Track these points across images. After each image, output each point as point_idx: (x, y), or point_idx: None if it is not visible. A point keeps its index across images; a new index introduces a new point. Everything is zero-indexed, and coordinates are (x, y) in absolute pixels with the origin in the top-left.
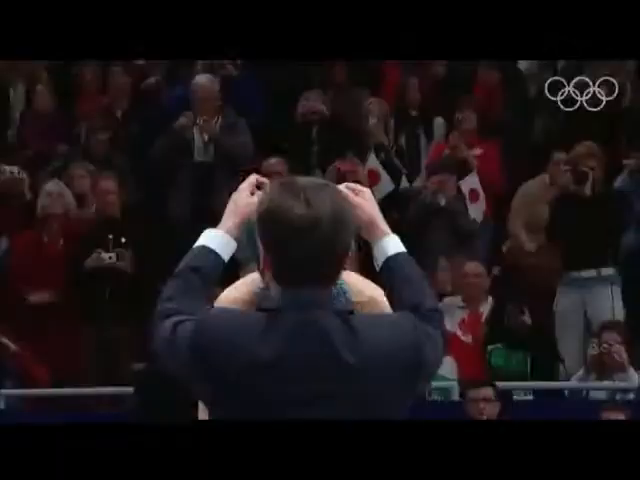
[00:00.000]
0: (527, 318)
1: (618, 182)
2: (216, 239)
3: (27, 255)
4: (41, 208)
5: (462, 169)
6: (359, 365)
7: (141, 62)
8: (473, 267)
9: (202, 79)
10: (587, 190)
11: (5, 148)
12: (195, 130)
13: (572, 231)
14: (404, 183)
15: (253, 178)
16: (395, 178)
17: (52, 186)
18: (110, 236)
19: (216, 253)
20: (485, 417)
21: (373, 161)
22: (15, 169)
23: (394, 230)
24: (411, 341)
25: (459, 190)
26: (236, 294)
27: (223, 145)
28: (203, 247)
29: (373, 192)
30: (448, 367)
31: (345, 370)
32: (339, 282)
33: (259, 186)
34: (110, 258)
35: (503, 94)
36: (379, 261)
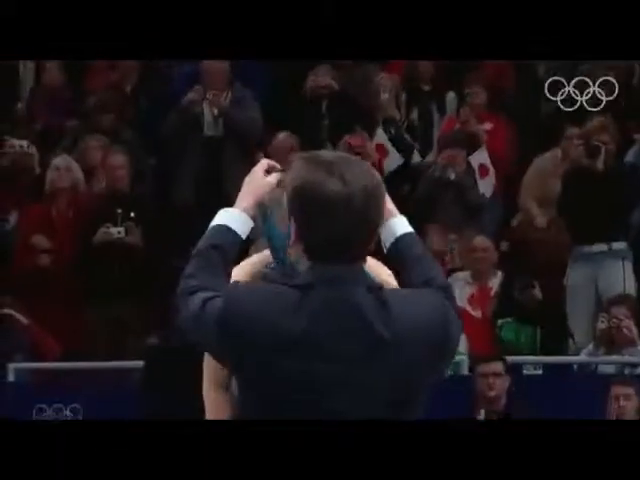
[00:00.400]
0: (537, 292)
1: (629, 156)
2: (233, 217)
3: (36, 229)
4: (49, 182)
5: (472, 144)
6: (392, 340)
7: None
8: (480, 241)
9: None
10: (600, 164)
11: (15, 123)
12: (204, 105)
13: (584, 205)
14: (416, 157)
15: (265, 162)
16: (405, 153)
17: (60, 161)
18: (119, 210)
19: (234, 231)
20: (494, 392)
21: (381, 136)
22: (25, 143)
23: (403, 204)
24: (440, 317)
25: (469, 165)
26: (242, 273)
27: (232, 119)
28: (220, 226)
29: (382, 166)
30: None
31: (378, 345)
32: None
33: (269, 170)
34: (119, 233)
35: (514, 69)
36: (387, 242)
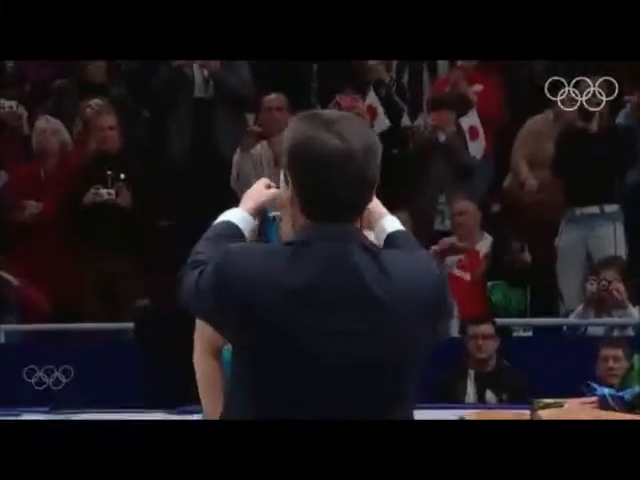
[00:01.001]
0: (527, 255)
1: (620, 118)
2: (236, 215)
3: (24, 189)
4: (36, 144)
5: (462, 106)
6: (389, 300)
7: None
8: (461, 205)
9: None
10: (594, 126)
11: (3, 83)
12: (195, 66)
13: (576, 167)
14: (405, 120)
15: (265, 180)
16: (395, 115)
17: (44, 123)
18: (109, 172)
19: (238, 227)
20: (484, 354)
21: (372, 97)
22: (14, 104)
23: (393, 166)
24: (437, 279)
25: (459, 127)
26: None
27: (223, 82)
28: (224, 221)
29: (372, 127)
30: None
31: (375, 304)
32: None
33: (269, 187)
34: (109, 194)
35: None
36: (380, 240)
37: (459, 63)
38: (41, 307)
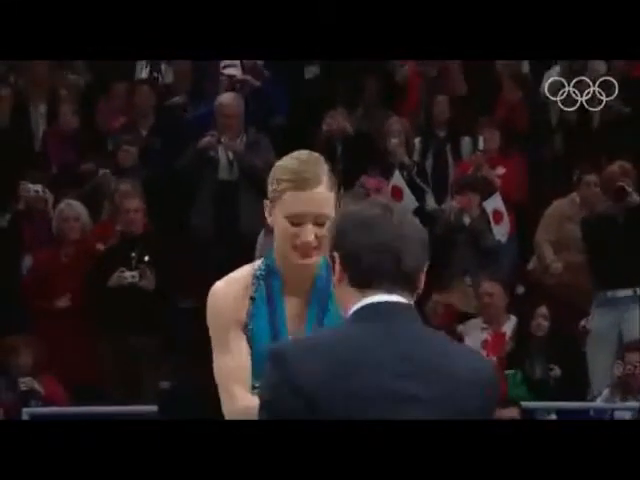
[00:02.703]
0: (557, 372)
1: None
2: None
3: (49, 273)
4: (57, 230)
5: (485, 189)
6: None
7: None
8: (487, 286)
9: (226, 98)
10: (620, 208)
11: (29, 167)
12: (220, 148)
13: (605, 250)
14: (431, 202)
15: None
16: (420, 196)
17: (66, 208)
18: (133, 254)
19: None
20: None
21: (398, 178)
22: (39, 188)
23: None
24: (491, 364)
25: (483, 210)
26: (233, 289)
27: (247, 163)
28: None
29: None
30: None
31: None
32: None
33: None
34: (133, 277)
35: (526, 110)
36: None
37: (481, 146)
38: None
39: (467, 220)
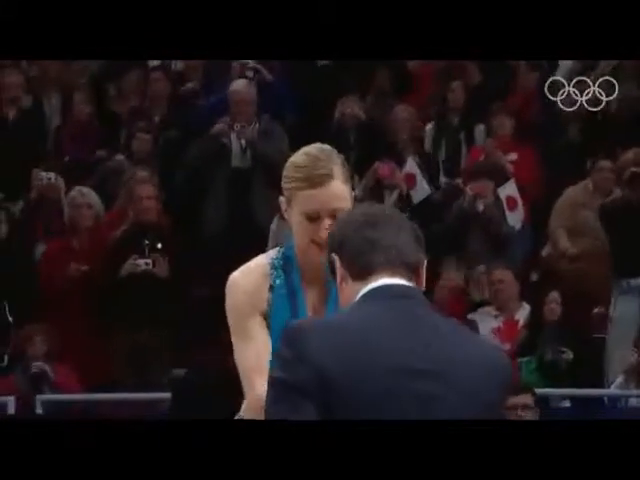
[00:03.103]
0: (568, 355)
1: None
2: None
3: (61, 261)
4: (69, 218)
5: (499, 175)
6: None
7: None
8: (498, 274)
9: (239, 84)
10: (635, 194)
11: (42, 155)
12: (232, 136)
13: (627, 237)
14: (444, 189)
15: None
16: (433, 183)
17: (78, 196)
18: (146, 242)
19: None
20: None
21: (411, 165)
22: (52, 175)
23: (431, 235)
24: (506, 356)
25: (497, 197)
26: (252, 279)
27: (260, 151)
28: None
29: (410, 196)
30: None
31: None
32: None
33: None
34: (146, 264)
35: (540, 98)
36: None
37: (494, 132)
38: (74, 389)
39: (481, 207)
